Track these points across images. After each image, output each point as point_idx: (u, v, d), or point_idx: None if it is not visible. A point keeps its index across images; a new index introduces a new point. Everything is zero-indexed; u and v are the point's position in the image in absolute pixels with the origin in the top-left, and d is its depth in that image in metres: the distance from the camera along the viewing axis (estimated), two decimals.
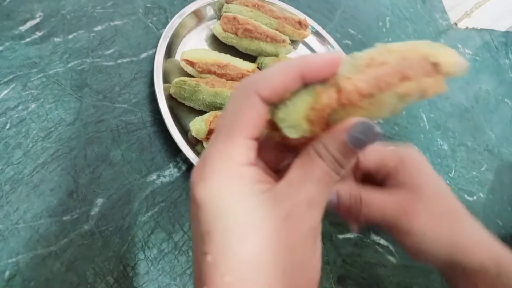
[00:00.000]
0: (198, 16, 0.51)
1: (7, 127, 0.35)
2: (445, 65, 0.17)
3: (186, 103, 0.44)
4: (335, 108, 0.17)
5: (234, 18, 0.48)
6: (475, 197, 0.62)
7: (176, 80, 0.43)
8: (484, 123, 0.72)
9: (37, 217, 0.33)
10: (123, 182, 0.38)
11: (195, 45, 0.49)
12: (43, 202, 0.34)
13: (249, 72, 0.46)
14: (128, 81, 0.43)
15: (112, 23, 0.45)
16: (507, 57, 0.90)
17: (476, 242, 0.27)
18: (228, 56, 0.47)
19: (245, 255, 0.17)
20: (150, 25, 0.48)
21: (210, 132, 0.40)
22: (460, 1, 0.85)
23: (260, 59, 0.51)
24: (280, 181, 0.19)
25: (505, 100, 0.80)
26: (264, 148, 0.20)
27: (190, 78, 0.43)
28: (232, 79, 0.46)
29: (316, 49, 0.59)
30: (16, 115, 0.36)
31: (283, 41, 0.51)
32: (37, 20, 0.41)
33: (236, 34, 0.49)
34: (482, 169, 0.66)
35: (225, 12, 0.50)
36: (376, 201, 0.27)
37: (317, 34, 0.60)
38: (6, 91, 0.37)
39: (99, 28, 0.44)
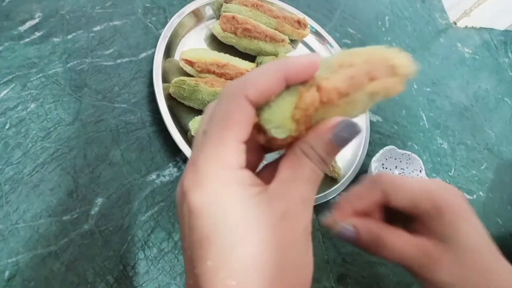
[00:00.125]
0: (197, 15, 0.51)
1: (7, 127, 0.35)
2: (401, 67, 0.19)
3: (186, 102, 0.44)
4: (317, 107, 0.18)
5: (233, 17, 0.49)
6: (474, 196, 0.62)
7: (175, 79, 0.43)
8: (483, 121, 0.72)
9: (37, 217, 0.33)
10: (122, 182, 0.38)
11: (194, 45, 0.49)
12: (43, 202, 0.34)
13: (248, 71, 0.46)
14: (128, 81, 0.43)
15: (111, 23, 0.46)
16: (507, 56, 0.90)
17: None
18: (227, 55, 0.47)
19: (246, 258, 0.17)
20: (149, 25, 0.48)
21: None
22: (459, 0, 0.85)
23: (259, 59, 0.51)
24: (271, 183, 0.19)
25: (505, 98, 0.80)
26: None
27: (189, 78, 0.43)
28: (232, 79, 0.46)
29: (316, 49, 0.59)
30: (16, 115, 0.36)
31: (282, 40, 0.51)
32: (36, 20, 0.42)
33: (235, 34, 0.49)
34: (482, 167, 0.66)
35: (224, 11, 0.50)
36: (398, 243, 0.26)
37: (316, 33, 0.60)
38: (5, 91, 0.37)
39: (98, 28, 0.44)
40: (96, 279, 0.33)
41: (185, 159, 0.41)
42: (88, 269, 0.33)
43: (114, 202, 0.36)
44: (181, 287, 0.36)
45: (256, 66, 0.50)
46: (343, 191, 0.48)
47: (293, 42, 0.57)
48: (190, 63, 0.44)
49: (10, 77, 0.38)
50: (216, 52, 0.47)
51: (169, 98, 0.43)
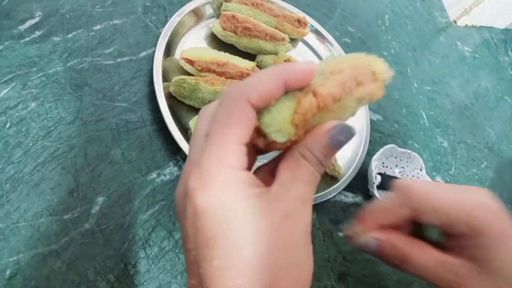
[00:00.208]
0: (197, 14, 0.51)
1: (7, 126, 0.35)
2: (380, 73, 0.21)
3: (186, 101, 0.44)
4: (315, 112, 0.19)
5: (233, 16, 0.48)
6: None
7: (175, 78, 0.43)
8: (484, 120, 0.72)
9: (38, 215, 0.33)
10: (123, 181, 0.38)
11: (194, 44, 0.49)
12: (44, 201, 0.34)
13: (248, 70, 0.46)
14: (128, 80, 0.43)
15: (111, 22, 0.45)
16: (507, 55, 0.90)
17: None
18: (227, 54, 0.47)
19: (251, 257, 0.17)
20: (149, 24, 0.48)
21: None
22: None
23: (259, 57, 0.51)
24: (272, 185, 0.19)
25: (505, 97, 0.80)
26: None
27: (189, 77, 0.43)
28: (232, 78, 0.46)
29: (316, 47, 0.59)
30: (16, 114, 0.36)
31: (282, 39, 0.51)
32: (36, 19, 0.42)
33: (235, 33, 0.49)
34: (482, 166, 0.66)
35: (224, 10, 0.50)
36: (423, 261, 0.25)
37: (316, 32, 0.60)
38: (6, 90, 0.37)
39: (98, 27, 0.44)
40: (97, 278, 0.33)
41: (185, 158, 0.41)
42: (89, 268, 0.33)
43: (115, 201, 0.36)
44: (182, 286, 0.36)
45: (256, 65, 0.50)
46: (343, 190, 0.48)
47: (293, 41, 0.57)
48: (190, 62, 0.44)
49: (11, 76, 0.38)
50: (216, 51, 0.47)
51: (169, 97, 0.43)
